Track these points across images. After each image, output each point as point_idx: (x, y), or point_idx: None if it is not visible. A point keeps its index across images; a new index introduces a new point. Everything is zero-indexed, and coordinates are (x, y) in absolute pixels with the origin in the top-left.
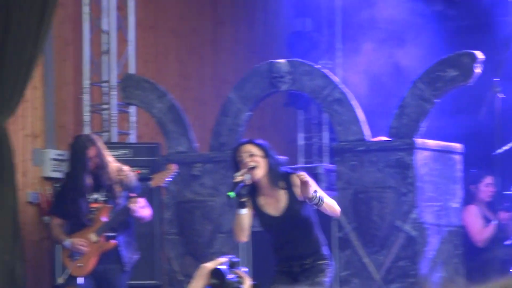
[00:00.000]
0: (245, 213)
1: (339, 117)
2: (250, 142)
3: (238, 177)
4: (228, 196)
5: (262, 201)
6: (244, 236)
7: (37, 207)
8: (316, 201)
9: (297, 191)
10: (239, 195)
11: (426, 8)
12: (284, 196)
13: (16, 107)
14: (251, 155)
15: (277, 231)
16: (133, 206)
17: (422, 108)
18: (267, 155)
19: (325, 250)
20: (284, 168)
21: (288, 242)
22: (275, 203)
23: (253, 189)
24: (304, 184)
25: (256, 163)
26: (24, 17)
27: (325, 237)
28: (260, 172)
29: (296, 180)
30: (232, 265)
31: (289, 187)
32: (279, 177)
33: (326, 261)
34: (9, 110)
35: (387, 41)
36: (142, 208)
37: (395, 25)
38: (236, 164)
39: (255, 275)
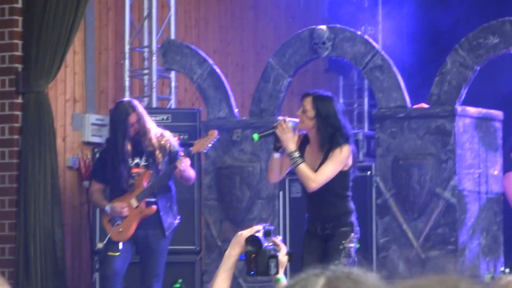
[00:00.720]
0: (278, 157)
1: (380, 83)
2: (312, 95)
3: (278, 123)
4: (252, 138)
5: (307, 153)
6: (274, 177)
7: (77, 172)
8: (291, 157)
9: (330, 154)
10: (275, 139)
11: None
12: (321, 157)
13: (57, 72)
14: (304, 111)
15: (306, 193)
16: (181, 165)
17: (463, 75)
18: (318, 117)
19: (351, 218)
20: (341, 133)
21: (314, 202)
22: (314, 160)
23: (306, 139)
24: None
25: (302, 118)
26: None
27: (356, 201)
28: (302, 126)
29: (340, 149)
30: (267, 233)
31: (328, 151)
32: (326, 140)
33: (349, 228)
34: (49, 75)
35: (429, 5)
36: (188, 168)
37: None
38: None
39: (292, 241)
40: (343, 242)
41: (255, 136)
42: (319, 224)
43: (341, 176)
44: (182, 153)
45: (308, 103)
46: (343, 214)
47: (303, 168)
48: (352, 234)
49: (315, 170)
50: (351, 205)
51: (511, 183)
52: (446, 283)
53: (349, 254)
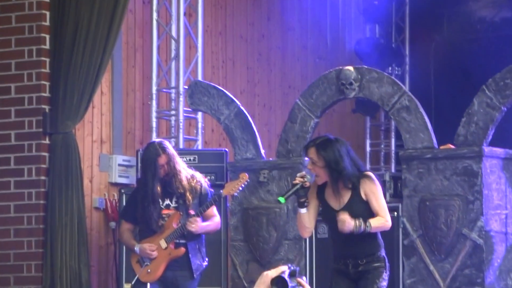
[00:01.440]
0: (304, 212)
1: (407, 124)
2: (314, 146)
3: (297, 179)
4: (279, 201)
5: (328, 192)
6: (306, 232)
7: (104, 213)
8: (361, 230)
9: (364, 190)
10: (297, 196)
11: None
12: (349, 193)
13: (84, 113)
14: (313, 163)
15: (335, 225)
16: (190, 227)
17: (490, 115)
18: (328, 165)
19: (382, 253)
20: (355, 167)
21: (345, 239)
22: (339, 197)
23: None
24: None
25: (315, 172)
26: (93, 23)
27: (383, 242)
28: (320, 180)
29: (364, 180)
30: (292, 274)
31: (355, 187)
32: (347, 179)
33: (382, 264)
34: (77, 116)
35: (456, 46)
36: (205, 223)
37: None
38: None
39: (318, 281)
40: (377, 281)
41: (282, 199)
42: (351, 261)
43: (369, 207)
44: (192, 212)
45: (312, 154)
46: (375, 248)
47: (375, 224)
48: (384, 272)
49: (345, 207)
50: (381, 239)
51: None
52: None
53: None
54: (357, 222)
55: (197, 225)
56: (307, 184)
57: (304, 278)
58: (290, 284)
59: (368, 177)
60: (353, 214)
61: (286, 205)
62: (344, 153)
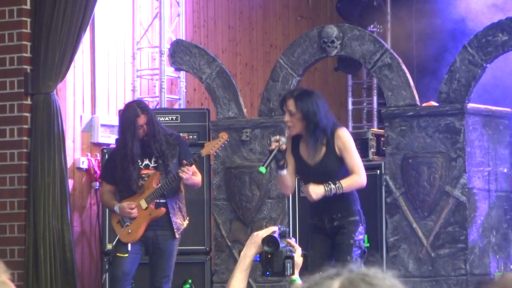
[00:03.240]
0: (285, 173)
1: (389, 82)
2: (292, 97)
3: (273, 144)
4: (260, 172)
5: (302, 147)
6: (290, 190)
7: (86, 173)
8: (332, 193)
9: (338, 145)
10: (276, 160)
11: None
12: (323, 148)
13: (66, 73)
14: (291, 115)
15: (310, 181)
16: (182, 174)
17: (472, 73)
18: (305, 117)
19: (357, 206)
20: (330, 121)
21: (319, 199)
22: (313, 152)
23: (296, 136)
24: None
25: (291, 123)
26: None
27: (367, 200)
28: (295, 131)
29: (338, 135)
30: (282, 234)
31: (329, 142)
32: (320, 133)
33: (357, 217)
34: (58, 76)
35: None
36: (192, 176)
37: None
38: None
39: (301, 239)
40: (353, 235)
41: (263, 169)
42: (326, 216)
43: (343, 162)
44: (184, 162)
45: (290, 104)
46: (349, 202)
47: (347, 184)
48: (360, 225)
49: (319, 163)
50: (355, 193)
51: None
52: None
53: (360, 247)
54: (326, 187)
55: (189, 174)
56: (284, 147)
57: (293, 239)
58: (280, 244)
59: (342, 132)
60: (327, 169)
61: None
62: (321, 106)
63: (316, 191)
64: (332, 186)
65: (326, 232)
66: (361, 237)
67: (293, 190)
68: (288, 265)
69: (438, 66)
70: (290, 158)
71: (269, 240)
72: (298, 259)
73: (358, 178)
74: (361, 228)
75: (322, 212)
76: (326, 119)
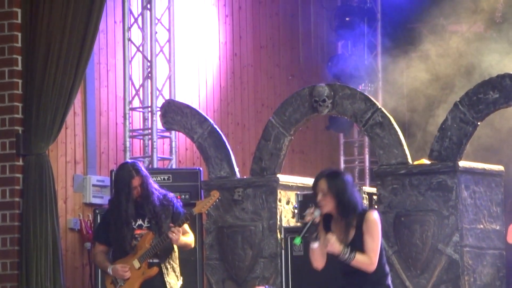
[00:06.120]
0: (317, 246)
1: (381, 140)
2: (324, 177)
3: (307, 217)
4: (295, 243)
5: (333, 227)
6: (321, 265)
7: (79, 234)
8: (344, 257)
9: (366, 227)
10: (309, 233)
11: None
12: (352, 232)
13: (57, 134)
14: (323, 194)
15: (336, 262)
16: (172, 235)
17: (464, 130)
18: (337, 196)
19: (386, 281)
20: (360, 205)
21: (350, 272)
22: (343, 235)
23: (326, 216)
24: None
25: (324, 203)
26: (65, 43)
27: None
28: (326, 210)
29: (368, 218)
30: None
31: (358, 224)
32: (351, 212)
33: None
34: (50, 137)
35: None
36: (183, 236)
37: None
38: (315, 195)
39: None
40: None
41: (298, 241)
42: None
43: None
44: (172, 225)
45: (322, 184)
46: (380, 277)
47: (358, 259)
48: None
49: (348, 246)
50: (387, 267)
51: None
52: None
53: None
54: (344, 248)
55: (179, 235)
56: (317, 220)
57: None
58: None
59: (372, 215)
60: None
61: (261, 223)
62: (350, 185)
63: (334, 244)
64: (348, 252)
65: None
66: None
67: (323, 265)
68: None
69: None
70: (322, 235)
71: None
72: None
73: (370, 262)
74: None
75: (353, 286)
76: (355, 198)
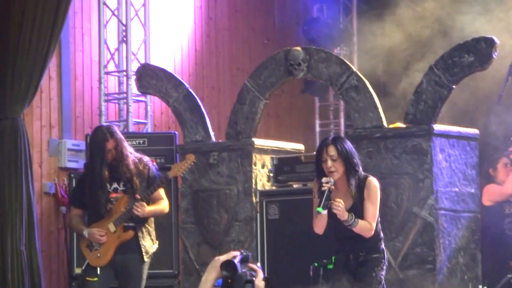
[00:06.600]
0: (325, 213)
1: (356, 103)
2: (332, 143)
3: (325, 185)
4: (319, 212)
5: (334, 193)
6: (322, 230)
7: (54, 198)
8: (348, 223)
9: (367, 193)
10: (325, 199)
11: None
12: (353, 196)
13: (32, 98)
14: (334, 160)
15: (339, 224)
16: (136, 212)
17: (439, 94)
18: (346, 160)
19: (382, 245)
20: (360, 171)
21: (348, 237)
22: (344, 199)
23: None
24: (336, 212)
25: (335, 168)
26: (40, 7)
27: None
28: (337, 176)
29: (370, 184)
30: (245, 259)
31: (360, 190)
32: (356, 179)
33: (381, 255)
34: (25, 101)
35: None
36: (156, 204)
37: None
38: (319, 163)
39: (270, 262)
40: (376, 269)
41: (321, 210)
42: (352, 253)
43: None
44: (138, 196)
45: (333, 151)
46: (376, 242)
47: (361, 224)
48: (383, 261)
49: (349, 209)
50: (381, 232)
51: (489, 192)
52: None
53: (380, 282)
54: (350, 216)
55: (143, 210)
56: (333, 187)
57: (258, 264)
58: (240, 269)
59: (374, 183)
60: (356, 216)
61: (237, 187)
62: (354, 150)
63: (342, 212)
64: (354, 219)
65: (350, 265)
66: (383, 273)
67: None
68: None
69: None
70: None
71: (227, 265)
72: (260, 283)
73: (370, 228)
74: (384, 266)
75: (349, 250)
76: (359, 162)
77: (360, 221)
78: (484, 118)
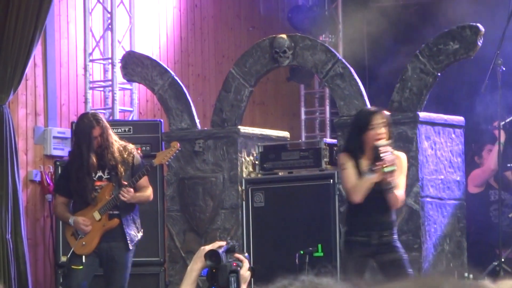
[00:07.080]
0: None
1: (341, 91)
2: (379, 111)
3: (383, 149)
4: (390, 170)
5: (364, 164)
6: (363, 198)
7: (39, 185)
8: (388, 187)
9: (398, 165)
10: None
11: None
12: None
13: (18, 86)
14: (385, 126)
15: (366, 196)
16: (123, 197)
17: (424, 81)
18: (390, 126)
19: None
20: None
21: (370, 209)
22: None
23: (360, 151)
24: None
25: (386, 134)
26: None
27: (319, 208)
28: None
29: (401, 157)
30: (231, 249)
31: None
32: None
33: (397, 235)
34: (10, 88)
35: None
36: (140, 191)
37: None
38: (363, 128)
39: (255, 250)
40: (401, 251)
41: (389, 169)
42: (375, 233)
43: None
44: (125, 182)
45: (383, 117)
46: (395, 219)
47: (396, 194)
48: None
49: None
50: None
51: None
52: (428, 285)
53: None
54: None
55: (130, 195)
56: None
57: (245, 254)
58: (224, 258)
59: (405, 156)
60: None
61: (222, 174)
62: None
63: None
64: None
65: (370, 249)
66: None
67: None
68: (233, 279)
69: (391, 75)
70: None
71: (211, 255)
72: (245, 273)
73: (402, 198)
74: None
75: (370, 229)
76: None
77: (397, 191)
78: (469, 105)
